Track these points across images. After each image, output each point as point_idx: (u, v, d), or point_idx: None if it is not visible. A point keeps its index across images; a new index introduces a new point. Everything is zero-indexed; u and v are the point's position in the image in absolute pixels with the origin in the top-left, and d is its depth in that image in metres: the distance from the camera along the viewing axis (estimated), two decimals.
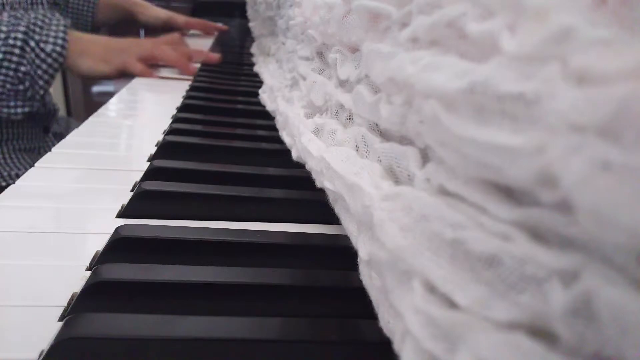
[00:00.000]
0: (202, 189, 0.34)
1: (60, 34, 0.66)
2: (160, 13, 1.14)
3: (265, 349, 0.21)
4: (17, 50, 0.63)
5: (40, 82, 0.66)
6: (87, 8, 1.03)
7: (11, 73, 0.63)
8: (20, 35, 0.63)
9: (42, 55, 0.64)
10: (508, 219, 0.13)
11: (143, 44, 0.78)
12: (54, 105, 0.85)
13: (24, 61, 0.64)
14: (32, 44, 0.64)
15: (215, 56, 0.84)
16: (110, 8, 1.08)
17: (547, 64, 0.12)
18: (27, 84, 0.65)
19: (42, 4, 0.79)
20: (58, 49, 0.65)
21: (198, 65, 0.81)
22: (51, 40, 0.65)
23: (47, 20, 0.66)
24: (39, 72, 0.65)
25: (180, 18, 1.16)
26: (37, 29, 0.65)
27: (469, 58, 0.15)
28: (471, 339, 0.12)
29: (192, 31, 1.23)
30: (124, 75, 0.75)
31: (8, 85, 0.64)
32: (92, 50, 0.72)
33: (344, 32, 0.27)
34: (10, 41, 0.63)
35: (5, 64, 0.63)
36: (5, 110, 0.65)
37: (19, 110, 0.66)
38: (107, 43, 0.75)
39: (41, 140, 0.82)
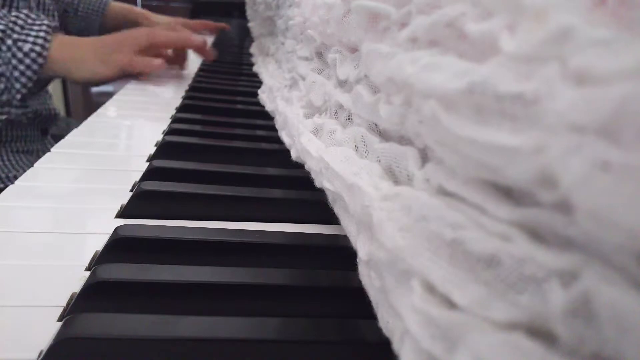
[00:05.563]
0: (201, 189, 0.34)
1: (42, 34, 0.61)
2: (164, 21, 1.13)
3: (265, 349, 0.21)
4: None
5: (17, 86, 0.61)
6: (95, 18, 1.02)
7: None
8: None
9: (20, 55, 0.60)
10: (507, 219, 0.13)
11: (138, 35, 0.72)
12: (54, 110, 0.84)
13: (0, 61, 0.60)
14: (9, 42, 0.60)
15: (212, 53, 0.83)
16: (117, 19, 1.06)
17: (546, 64, 0.12)
18: (2, 86, 0.61)
19: (52, 15, 0.78)
20: (37, 48, 0.61)
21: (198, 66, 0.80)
22: (30, 39, 0.61)
23: (29, 20, 0.62)
24: (16, 73, 0.61)
25: (185, 24, 1.15)
26: (17, 28, 0.61)
27: (469, 58, 0.15)
28: (470, 339, 0.12)
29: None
30: (126, 74, 0.71)
31: None
32: (84, 53, 0.67)
33: (343, 32, 0.27)
34: None
35: None
36: None
37: None
38: (97, 42, 0.70)
39: (40, 142, 0.82)
